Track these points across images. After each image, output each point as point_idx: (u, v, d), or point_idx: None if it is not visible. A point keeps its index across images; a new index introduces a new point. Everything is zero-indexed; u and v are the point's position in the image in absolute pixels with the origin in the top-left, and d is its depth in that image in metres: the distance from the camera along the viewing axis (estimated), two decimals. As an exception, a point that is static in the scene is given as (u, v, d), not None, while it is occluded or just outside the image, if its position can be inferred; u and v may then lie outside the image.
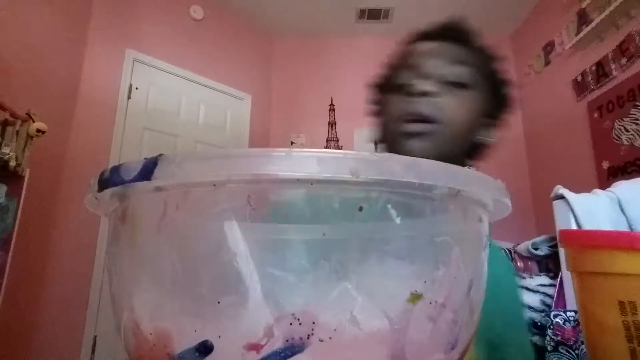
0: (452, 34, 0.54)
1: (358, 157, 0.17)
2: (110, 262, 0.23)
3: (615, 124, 2.12)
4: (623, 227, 1.05)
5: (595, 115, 2.27)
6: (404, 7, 2.98)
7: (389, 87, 0.54)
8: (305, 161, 0.17)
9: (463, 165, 0.55)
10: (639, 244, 0.24)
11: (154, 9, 2.64)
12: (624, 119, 2.06)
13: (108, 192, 0.21)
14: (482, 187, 0.21)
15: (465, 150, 0.54)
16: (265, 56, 3.34)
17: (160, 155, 0.19)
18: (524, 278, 1.31)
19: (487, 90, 0.54)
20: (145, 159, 0.19)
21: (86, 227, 2.09)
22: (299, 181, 0.18)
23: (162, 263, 0.20)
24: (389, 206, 0.19)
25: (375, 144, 0.60)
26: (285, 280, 0.18)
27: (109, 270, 0.24)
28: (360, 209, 0.18)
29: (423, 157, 0.49)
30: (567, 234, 0.29)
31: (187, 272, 0.19)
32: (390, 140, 0.51)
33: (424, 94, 0.48)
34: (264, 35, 3.33)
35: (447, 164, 0.19)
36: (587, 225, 1.03)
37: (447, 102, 0.48)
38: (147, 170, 0.18)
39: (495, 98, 0.56)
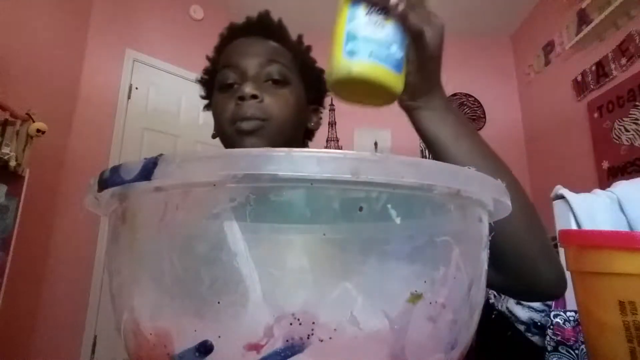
0: (264, 29, 0.59)
1: (358, 157, 0.17)
2: (110, 262, 0.23)
3: (615, 124, 2.12)
4: (623, 227, 1.05)
5: (595, 115, 2.27)
6: (404, 7, 2.98)
7: (217, 85, 0.58)
8: (305, 161, 0.17)
9: (302, 145, 0.62)
10: (639, 244, 0.24)
11: (154, 9, 2.64)
12: (624, 119, 2.06)
13: (108, 192, 0.21)
14: (482, 187, 0.21)
15: (300, 137, 0.60)
16: (265, 56, 3.33)
17: (160, 155, 0.19)
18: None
19: (306, 80, 0.59)
20: (145, 159, 0.19)
21: (86, 227, 2.09)
22: (299, 181, 0.18)
23: (162, 263, 0.20)
24: (389, 206, 0.19)
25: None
26: (285, 280, 0.18)
27: (109, 270, 0.24)
28: (360, 209, 0.18)
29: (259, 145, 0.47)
30: (567, 234, 0.29)
31: (187, 272, 0.19)
32: (228, 140, 0.55)
33: (250, 97, 0.51)
34: (264, 35, 3.33)
35: (448, 164, 0.19)
36: (587, 225, 1.03)
37: (270, 101, 0.53)
38: (147, 170, 0.18)
39: (313, 86, 0.61)
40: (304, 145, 0.64)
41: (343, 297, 0.18)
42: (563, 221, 1.09)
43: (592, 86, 2.30)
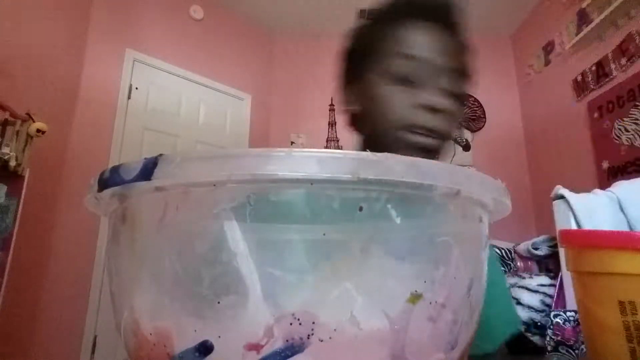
0: (448, 16, 0.49)
1: (358, 157, 0.17)
2: (110, 262, 0.23)
3: (615, 124, 2.12)
4: (623, 227, 1.05)
5: (595, 115, 2.27)
6: (404, 7, 2.98)
7: (387, 74, 0.47)
8: (305, 161, 0.17)
9: None
10: (639, 244, 0.24)
11: (154, 9, 2.64)
12: (624, 119, 2.06)
13: (108, 192, 0.21)
14: (482, 187, 0.21)
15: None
16: (265, 56, 3.33)
17: (160, 155, 0.19)
18: (523, 278, 1.31)
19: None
20: (145, 159, 0.19)
21: (86, 227, 2.09)
22: (299, 181, 0.18)
23: (162, 263, 0.20)
24: (389, 206, 0.19)
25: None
26: (285, 280, 0.18)
27: (109, 270, 0.24)
28: (360, 209, 0.18)
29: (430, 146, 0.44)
30: (567, 234, 0.29)
31: (187, 272, 0.19)
32: (388, 143, 0.46)
33: (441, 110, 0.44)
34: (264, 35, 3.33)
35: (448, 164, 0.19)
36: (587, 225, 1.04)
37: (452, 118, 0.46)
38: (147, 170, 0.18)
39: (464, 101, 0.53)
40: None
41: (343, 297, 0.18)
42: (563, 221, 1.09)
43: (592, 86, 2.30)
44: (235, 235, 0.18)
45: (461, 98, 0.48)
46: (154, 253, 0.20)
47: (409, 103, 0.45)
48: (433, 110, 0.44)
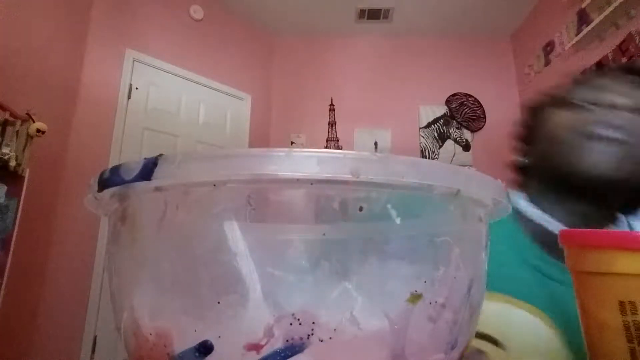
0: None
1: (358, 157, 0.17)
2: (110, 262, 0.23)
3: (615, 124, 2.11)
4: (623, 227, 1.05)
5: (595, 115, 2.27)
6: (404, 7, 2.98)
7: (556, 103, 0.47)
8: (305, 161, 0.17)
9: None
10: (639, 244, 0.24)
11: (154, 9, 2.64)
12: (624, 119, 2.06)
13: (108, 192, 0.21)
14: (482, 187, 0.21)
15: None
16: (265, 56, 3.34)
17: (160, 155, 0.19)
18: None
19: None
20: (145, 159, 0.19)
21: (86, 227, 2.09)
22: (299, 181, 0.18)
23: (162, 263, 0.20)
24: (389, 206, 0.19)
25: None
26: (285, 280, 0.18)
27: (109, 270, 0.24)
28: (360, 209, 0.18)
29: (610, 167, 0.40)
30: (567, 234, 0.29)
31: (187, 272, 0.19)
32: (558, 152, 0.43)
33: (613, 106, 0.40)
34: (264, 35, 3.33)
35: (447, 164, 0.19)
36: (587, 225, 1.03)
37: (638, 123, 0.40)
38: (147, 170, 0.18)
39: None
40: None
41: (343, 297, 0.18)
42: (563, 221, 1.09)
43: (592, 86, 2.30)
44: (235, 235, 0.18)
45: None
46: (154, 253, 0.20)
47: (592, 119, 0.42)
48: (606, 107, 0.40)
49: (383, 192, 0.19)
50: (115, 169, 0.20)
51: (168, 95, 2.63)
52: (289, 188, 0.19)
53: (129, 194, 0.21)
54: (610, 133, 0.40)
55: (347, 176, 0.17)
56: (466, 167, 0.21)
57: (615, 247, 0.25)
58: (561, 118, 0.45)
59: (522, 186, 0.51)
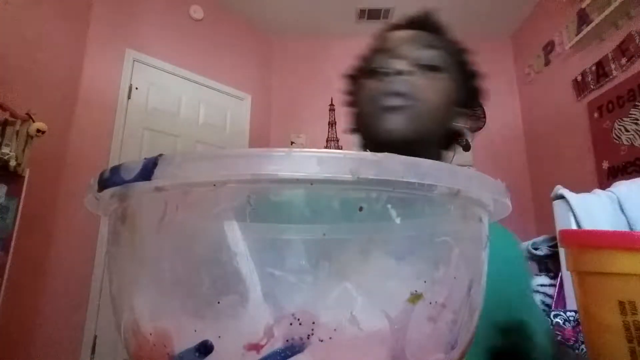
0: (424, 23, 0.57)
1: (358, 157, 0.17)
2: (110, 262, 0.23)
3: (615, 124, 2.12)
4: (623, 227, 1.05)
5: (595, 115, 2.27)
6: (404, 7, 2.98)
7: (364, 73, 0.55)
8: (305, 161, 0.17)
9: (438, 154, 0.58)
10: (639, 244, 0.24)
11: (154, 9, 2.64)
12: (624, 119, 2.06)
13: (108, 192, 0.21)
14: (482, 187, 0.21)
15: (441, 136, 0.55)
16: (265, 56, 3.33)
17: (160, 155, 0.19)
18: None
19: (458, 79, 0.55)
20: (145, 159, 0.19)
21: (86, 227, 2.09)
22: (299, 181, 0.18)
23: (162, 263, 0.20)
24: (389, 206, 0.19)
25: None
26: (285, 280, 0.18)
27: (109, 271, 0.24)
28: (360, 209, 0.18)
29: (402, 131, 0.48)
30: (567, 234, 0.29)
31: (187, 272, 0.19)
32: (368, 121, 0.51)
33: (399, 72, 0.49)
34: (263, 36, 3.33)
35: (447, 164, 0.19)
36: (587, 225, 1.03)
37: (420, 81, 0.50)
38: (147, 170, 0.18)
39: (466, 88, 0.57)
40: (439, 152, 0.57)
41: (343, 297, 0.18)
42: (563, 221, 1.09)
43: (592, 86, 2.30)
44: (235, 235, 0.18)
45: (433, 69, 0.52)
46: (154, 253, 0.20)
47: (378, 83, 0.50)
48: (393, 74, 0.49)
49: (383, 192, 0.19)
50: (115, 169, 0.20)
51: (168, 95, 2.63)
52: (289, 188, 0.19)
53: (129, 194, 0.21)
54: (397, 102, 0.48)
55: (347, 176, 0.17)
56: (466, 167, 0.21)
57: (615, 247, 0.25)
58: (365, 89, 0.53)
59: (359, 146, 0.59)
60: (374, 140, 0.52)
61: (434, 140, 0.54)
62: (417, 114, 0.48)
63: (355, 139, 0.58)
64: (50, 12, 1.98)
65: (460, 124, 0.57)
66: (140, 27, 2.55)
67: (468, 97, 0.58)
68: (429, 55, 0.52)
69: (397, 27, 0.58)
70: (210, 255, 0.19)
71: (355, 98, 0.57)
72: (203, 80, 2.81)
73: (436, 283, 0.20)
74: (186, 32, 2.79)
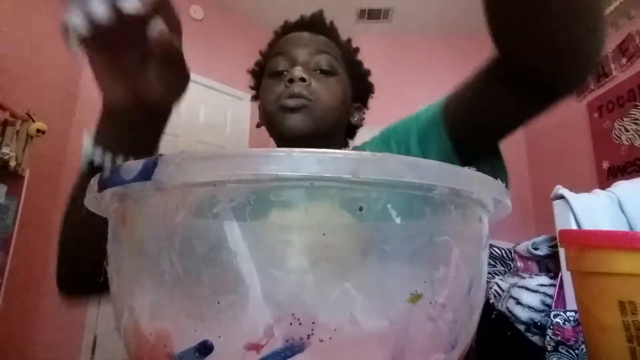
0: (316, 25, 0.61)
1: (358, 157, 0.17)
2: (110, 262, 0.23)
3: (615, 124, 2.11)
4: (623, 227, 1.05)
5: (595, 115, 2.27)
6: (404, 7, 2.98)
7: (267, 73, 0.60)
8: (305, 161, 0.17)
9: (344, 143, 0.65)
10: (639, 244, 0.24)
11: (154, 9, 2.63)
12: (624, 119, 2.06)
13: (108, 192, 0.21)
14: (482, 187, 0.21)
15: (344, 130, 0.62)
16: (265, 56, 3.33)
17: (160, 155, 0.19)
18: (523, 278, 1.31)
19: (350, 77, 0.62)
20: (145, 159, 0.19)
21: (86, 227, 2.08)
22: (299, 181, 0.18)
23: (162, 263, 0.20)
24: (389, 206, 0.19)
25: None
26: (285, 280, 0.18)
27: (109, 271, 0.24)
28: (361, 209, 0.18)
29: (301, 129, 0.54)
30: (567, 234, 0.29)
31: (187, 272, 0.19)
32: (271, 119, 0.56)
33: (299, 79, 0.53)
34: (263, 35, 3.33)
35: (448, 164, 0.19)
36: (587, 225, 1.03)
37: (317, 86, 0.55)
38: (147, 170, 0.18)
39: (359, 84, 0.64)
40: (345, 142, 0.65)
41: (343, 297, 0.18)
42: (563, 221, 1.09)
43: (592, 86, 2.30)
44: (235, 235, 0.18)
45: (327, 73, 0.57)
46: (154, 253, 0.20)
47: (280, 85, 0.55)
48: (292, 81, 0.53)
49: (383, 192, 0.19)
50: (115, 169, 0.20)
51: (168, 95, 2.63)
52: (289, 188, 0.19)
53: (129, 194, 0.21)
54: (295, 103, 0.52)
55: (347, 176, 0.17)
56: (466, 167, 0.21)
57: (615, 247, 0.25)
58: (267, 89, 0.58)
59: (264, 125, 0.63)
60: (279, 136, 0.57)
61: (337, 134, 0.60)
62: (316, 113, 0.53)
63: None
64: (50, 12, 1.98)
65: (358, 117, 0.64)
66: (140, 27, 2.54)
67: (361, 93, 0.65)
68: (323, 60, 0.57)
69: (293, 28, 0.63)
70: (210, 255, 0.19)
71: (259, 94, 0.62)
72: (203, 80, 2.81)
73: (436, 283, 0.20)
74: (186, 32, 2.76)
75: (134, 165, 0.19)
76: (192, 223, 0.20)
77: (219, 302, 0.18)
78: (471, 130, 0.46)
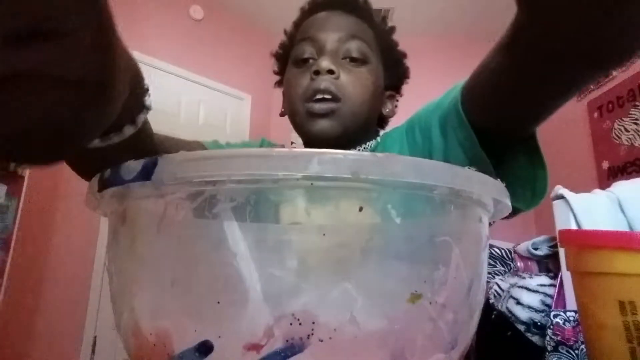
0: (347, 3, 0.55)
1: (358, 157, 0.17)
2: (110, 262, 0.23)
3: (615, 124, 2.11)
4: (623, 227, 1.05)
5: (595, 115, 2.27)
6: (404, 7, 2.98)
7: (291, 59, 0.55)
8: (305, 161, 0.17)
9: (375, 134, 0.59)
10: (639, 244, 0.24)
11: (154, 9, 2.64)
12: (624, 119, 2.06)
13: (108, 192, 0.21)
14: (482, 187, 0.21)
15: (373, 122, 0.57)
16: (265, 56, 3.30)
17: (160, 155, 0.19)
18: (523, 278, 1.31)
19: (384, 64, 0.56)
20: (145, 159, 0.19)
21: (86, 227, 2.09)
22: (299, 181, 0.18)
23: (162, 263, 0.20)
24: (389, 206, 0.19)
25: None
26: (285, 280, 0.18)
27: (109, 271, 0.24)
28: (361, 209, 0.18)
29: (330, 135, 0.49)
30: (567, 234, 0.29)
31: (187, 272, 0.19)
32: (297, 120, 0.52)
33: (326, 72, 0.49)
34: (264, 35, 3.33)
35: (448, 165, 0.19)
36: (587, 225, 1.03)
37: (346, 79, 0.50)
38: (147, 170, 0.18)
39: (393, 70, 0.58)
40: (376, 132, 0.60)
41: (343, 297, 0.18)
42: (563, 221, 1.09)
43: (592, 86, 2.30)
44: (235, 235, 0.18)
45: (359, 62, 0.52)
46: (154, 253, 0.20)
47: (306, 76, 0.51)
48: (318, 73, 0.49)
49: (383, 193, 0.19)
50: (115, 169, 0.20)
51: (168, 95, 2.63)
52: (289, 188, 0.19)
53: (129, 194, 0.21)
54: (323, 108, 0.49)
55: (347, 176, 0.17)
56: (466, 167, 0.21)
57: (615, 247, 0.25)
58: (292, 79, 0.53)
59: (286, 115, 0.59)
60: (305, 138, 0.54)
61: (367, 130, 0.55)
62: (345, 114, 0.50)
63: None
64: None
65: (390, 106, 0.59)
66: (140, 27, 2.55)
67: (394, 79, 0.60)
68: (354, 47, 0.52)
69: (321, 6, 0.56)
70: (210, 255, 0.19)
71: (283, 81, 0.58)
72: (203, 80, 2.81)
73: (436, 283, 0.20)
74: (186, 32, 2.79)
75: (134, 165, 0.19)
76: (192, 223, 0.20)
77: (219, 302, 0.18)
78: (495, 115, 0.38)
